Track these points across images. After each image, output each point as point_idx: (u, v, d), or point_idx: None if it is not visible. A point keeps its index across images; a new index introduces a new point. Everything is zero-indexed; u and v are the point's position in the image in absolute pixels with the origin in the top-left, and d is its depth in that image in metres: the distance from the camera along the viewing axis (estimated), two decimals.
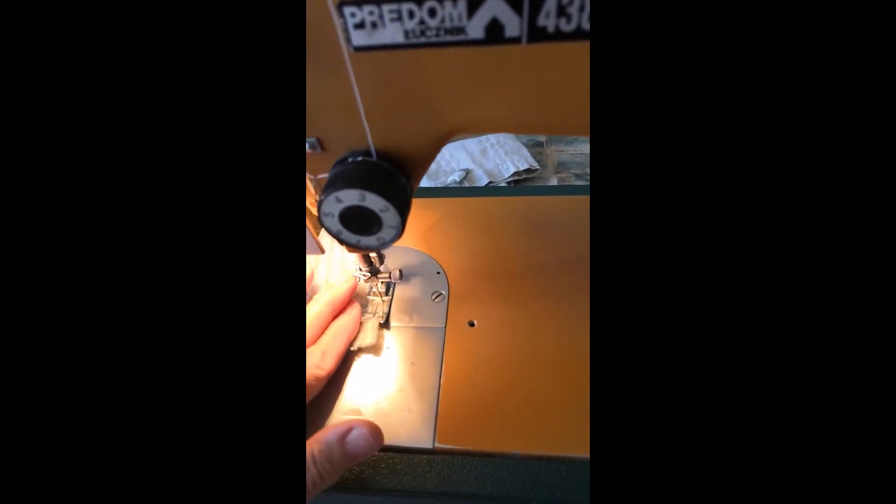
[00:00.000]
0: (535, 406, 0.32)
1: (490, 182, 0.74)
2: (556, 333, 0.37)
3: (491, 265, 0.43)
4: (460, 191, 0.57)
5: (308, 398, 0.32)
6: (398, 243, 0.36)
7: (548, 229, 0.46)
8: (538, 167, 0.72)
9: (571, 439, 0.31)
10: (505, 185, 0.75)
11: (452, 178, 0.73)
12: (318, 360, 0.32)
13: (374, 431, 0.27)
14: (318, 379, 0.32)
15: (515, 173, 0.74)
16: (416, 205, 0.51)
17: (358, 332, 0.36)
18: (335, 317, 0.35)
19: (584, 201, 0.50)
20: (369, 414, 0.33)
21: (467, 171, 0.73)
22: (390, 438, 0.32)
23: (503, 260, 0.43)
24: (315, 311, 0.34)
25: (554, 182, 0.76)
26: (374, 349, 0.36)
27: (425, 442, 0.31)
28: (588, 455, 0.30)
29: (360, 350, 0.36)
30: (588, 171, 0.76)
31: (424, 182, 0.72)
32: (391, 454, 0.31)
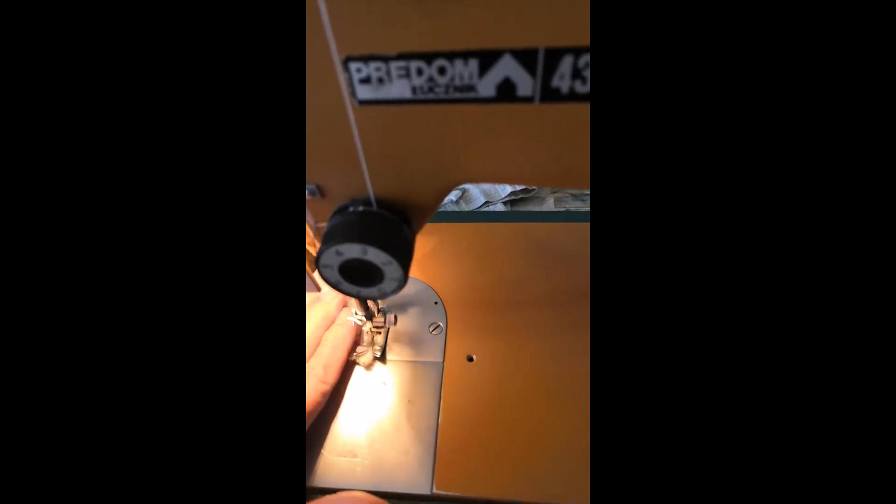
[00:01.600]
0: (538, 449, 0.31)
1: (486, 201, 0.73)
2: (560, 369, 0.36)
3: (490, 295, 0.42)
4: (457, 215, 0.57)
5: (316, 412, 0.31)
6: None
7: (549, 258, 0.46)
8: (534, 186, 0.72)
9: (578, 486, 0.30)
10: (501, 204, 0.74)
11: (449, 197, 0.72)
12: (322, 374, 0.31)
13: None
14: (324, 394, 0.31)
15: (512, 193, 0.73)
16: None
17: (357, 342, 0.36)
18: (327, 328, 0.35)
19: (584, 229, 0.49)
20: (364, 455, 0.32)
21: (464, 191, 0.73)
22: (387, 483, 0.30)
23: (503, 290, 0.42)
24: (310, 325, 0.34)
25: (550, 201, 0.76)
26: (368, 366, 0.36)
27: (423, 488, 0.30)
28: None
29: (356, 361, 0.36)
30: (584, 190, 0.76)
31: None
32: (387, 501, 0.30)
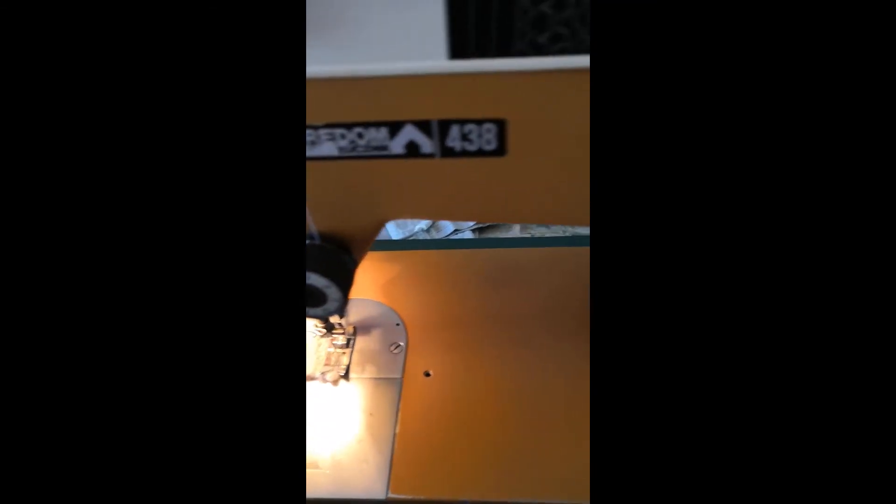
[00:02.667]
0: (485, 452, 0.35)
1: (455, 230, 0.77)
2: (511, 380, 0.39)
3: (449, 316, 0.46)
4: (424, 244, 0.61)
5: None
6: (360, 296, 0.38)
7: (510, 280, 0.49)
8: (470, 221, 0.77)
9: (523, 484, 0.33)
10: (470, 232, 0.78)
11: (420, 226, 0.76)
12: None
13: None
14: None
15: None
16: (378, 258, 0.54)
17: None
18: None
19: (544, 252, 0.53)
20: (326, 465, 0.35)
21: (433, 221, 0.77)
22: (345, 490, 0.33)
23: (462, 310, 0.46)
24: None
25: (517, 228, 0.80)
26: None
27: (379, 493, 0.33)
28: (541, 500, 0.32)
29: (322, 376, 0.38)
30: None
31: (392, 231, 0.75)
32: None
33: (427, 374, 0.40)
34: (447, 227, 0.76)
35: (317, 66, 0.18)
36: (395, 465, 0.34)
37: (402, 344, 0.43)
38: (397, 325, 0.44)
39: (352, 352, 0.42)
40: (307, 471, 0.34)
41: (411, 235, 0.76)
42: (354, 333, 0.41)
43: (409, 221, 0.77)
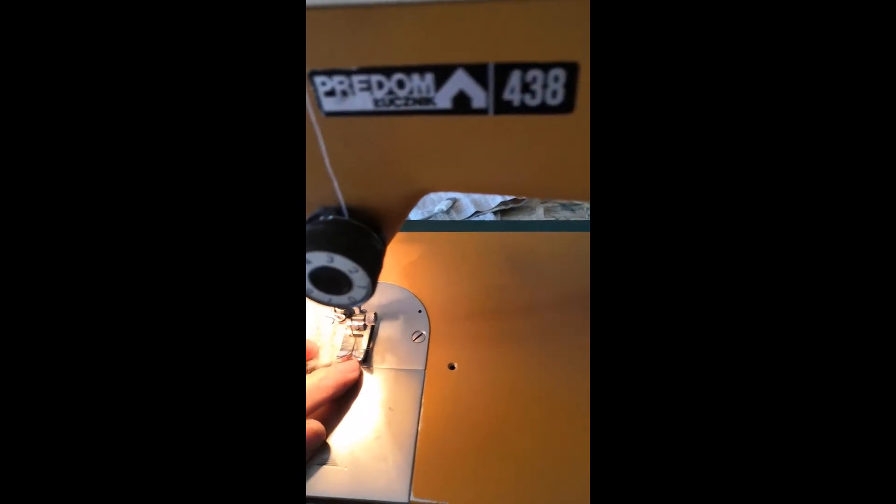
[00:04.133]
0: (517, 457, 0.32)
1: (477, 211, 0.74)
2: (541, 378, 0.36)
3: (474, 304, 0.42)
4: (445, 225, 0.57)
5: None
6: (379, 278, 0.35)
7: (534, 267, 0.46)
8: (525, 196, 0.73)
9: (556, 494, 0.30)
10: (491, 214, 0.75)
11: (439, 206, 0.73)
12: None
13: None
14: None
15: (502, 202, 0.74)
16: (400, 239, 0.50)
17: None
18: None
19: (571, 238, 0.50)
20: (344, 462, 0.32)
21: (454, 200, 0.73)
22: (365, 491, 0.31)
23: (487, 299, 0.43)
24: (319, 385, 0.33)
25: (540, 211, 0.76)
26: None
27: (400, 496, 0.30)
28: None
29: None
30: (574, 200, 0.77)
31: (412, 211, 0.72)
32: None
33: (451, 367, 0.37)
34: (468, 208, 0.72)
35: None
36: (417, 466, 0.31)
37: (424, 333, 0.39)
38: (419, 312, 0.41)
39: (375, 340, 0.38)
40: (324, 467, 0.32)
41: (431, 216, 0.72)
42: (377, 320, 0.38)
43: (428, 201, 0.74)
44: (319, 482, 0.31)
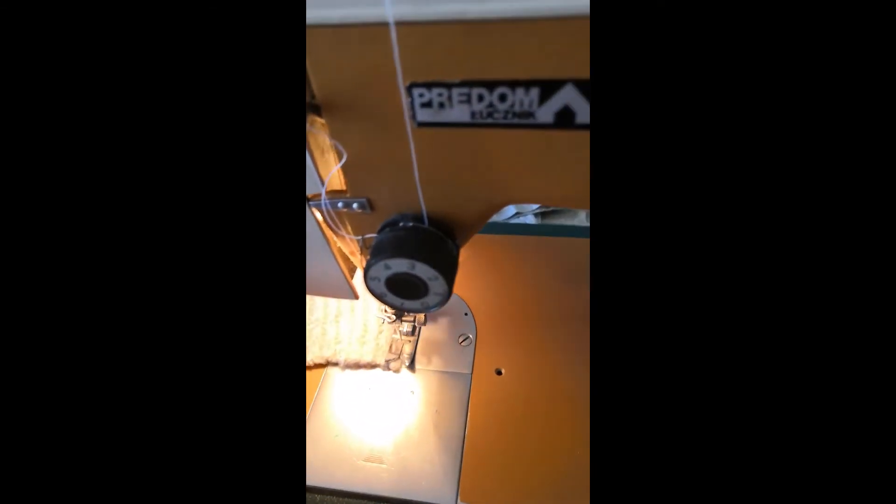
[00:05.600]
0: (565, 464, 0.31)
1: (517, 213, 0.73)
2: (587, 384, 0.36)
3: (520, 309, 0.42)
4: (487, 226, 0.57)
5: None
6: None
7: (579, 272, 0.45)
8: None
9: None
10: (532, 216, 0.74)
11: None
12: None
13: None
14: None
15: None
16: None
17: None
18: None
19: None
20: (391, 462, 0.32)
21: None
22: (411, 491, 0.31)
23: (532, 303, 0.42)
24: None
25: (583, 215, 0.75)
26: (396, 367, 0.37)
27: (447, 499, 0.30)
28: None
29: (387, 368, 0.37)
30: None
31: None
32: None
33: (499, 373, 0.37)
34: (509, 209, 0.71)
35: (452, 3, 0.14)
36: (464, 470, 0.31)
37: (471, 336, 0.39)
38: (466, 314, 0.41)
39: (417, 340, 0.39)
40: (371, 465, 0.32)
41: None
42: (425, 321, 0.38)
43: None
44: (366, 479, 0.31)
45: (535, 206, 0.70)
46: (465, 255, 0.48)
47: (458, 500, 0.30)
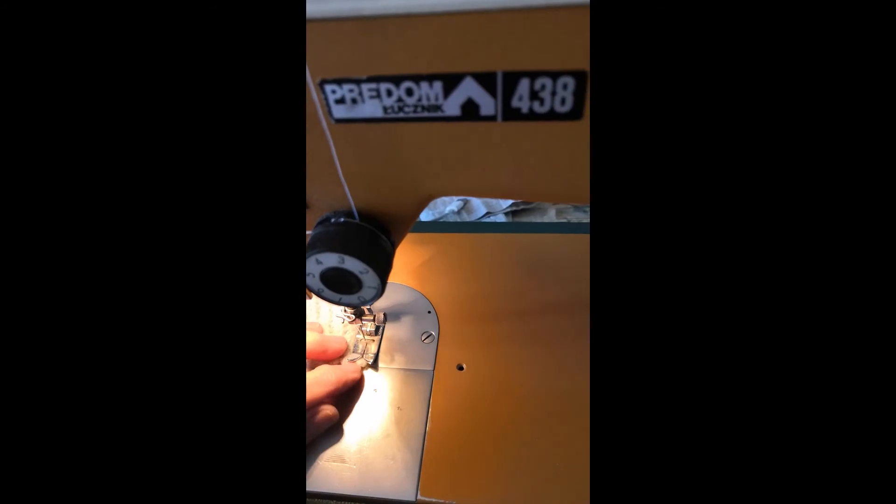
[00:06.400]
0: (525, 457, 0.32)
1: (488, 212, 0.74)
2: (550, 379, 0.36)
3: (484, 305, 0.43)
4: (456, 226, 0.58)
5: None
6: (390, 279, 0.35)
7: (546, 269, 0.46)
8: (532, 201, 0.73)
9: (565, 493, 0.30)
10: (503, 215, 0.75)
11: (450, 207, 0.73)
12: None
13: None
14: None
15: (513, 203, 0.74)
16: (410, 240, 0.51)
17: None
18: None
19: (583, 239, 0.50)
20: (353, 460, 0.33)
21: (465, 202, 0.74)
22: (372, 489, 0.31)
23: (497, 300, 0.43)
24: (320, 379, 0.33)
25: (552, 213, 0.76)
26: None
27: (408, 494, 0.31)
28: None
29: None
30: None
31: (423, 212, 0.72)
32: None
33: (460, 368, 0.37)
34: (479, 209, 0.72)
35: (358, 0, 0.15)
36: (425, 465, 0.32)
37: (433, 334, 0.40)
38: (429, 312, 0.42)
39: (381, 339, 0.39)
40: (333, 464, 0.32)
41: (441, 217, 0.72)
42: (385, 320, 0.38)
43: (439, 202, 0.74)
44: (328, 479, 0.32)
45: (505, 205, 0.71)
46: (429, 254, 0.49)
47: (419, 495, 0.31)
